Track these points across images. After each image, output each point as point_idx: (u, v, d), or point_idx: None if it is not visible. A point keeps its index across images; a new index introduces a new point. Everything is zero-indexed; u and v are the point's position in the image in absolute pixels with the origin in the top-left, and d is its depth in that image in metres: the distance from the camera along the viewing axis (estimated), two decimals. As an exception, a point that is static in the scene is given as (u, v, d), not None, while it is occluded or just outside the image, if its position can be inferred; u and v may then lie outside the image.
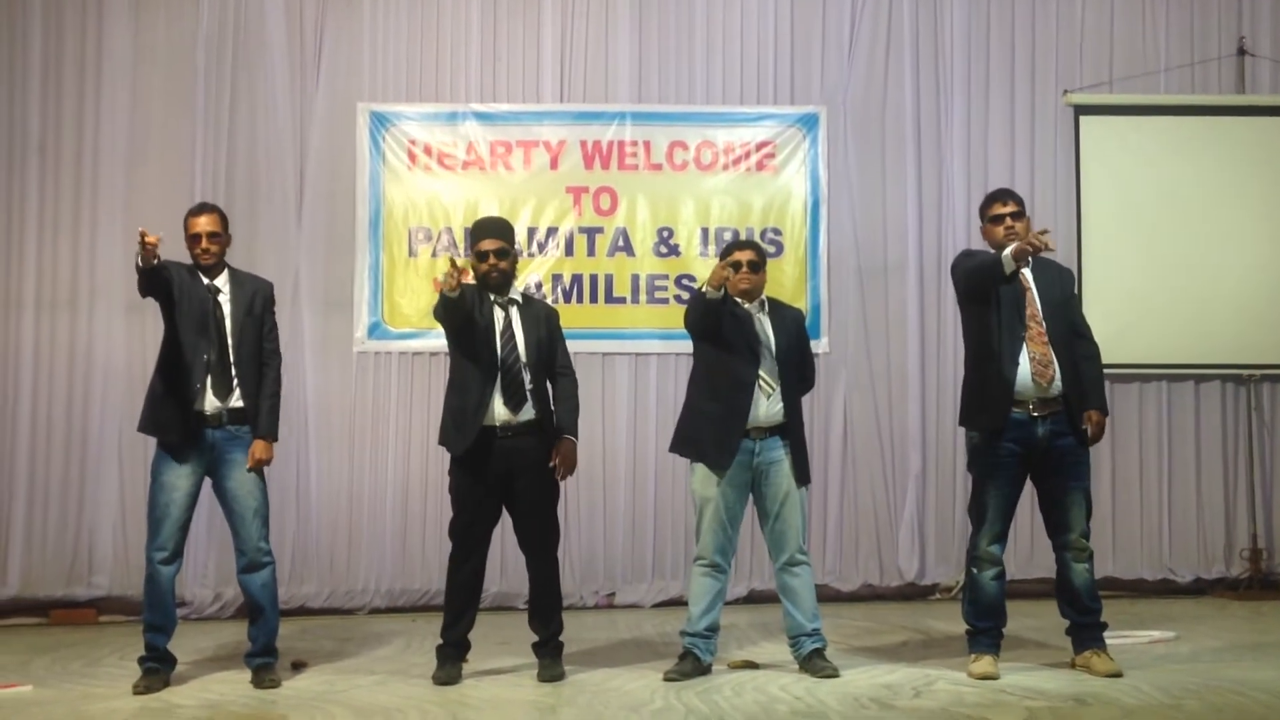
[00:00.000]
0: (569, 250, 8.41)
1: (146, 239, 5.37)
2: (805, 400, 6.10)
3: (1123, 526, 8.50)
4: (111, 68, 8.31)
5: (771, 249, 8.24)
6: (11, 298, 8.19)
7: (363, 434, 8.28)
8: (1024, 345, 5.63)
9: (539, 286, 8.26)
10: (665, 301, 8.37)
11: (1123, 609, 7.36)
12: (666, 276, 8.44)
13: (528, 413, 5.78)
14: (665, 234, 8.46)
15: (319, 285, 8.31)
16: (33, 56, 8.27)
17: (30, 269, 8.20)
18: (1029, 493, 5.83)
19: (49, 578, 8.03)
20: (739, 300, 5.85)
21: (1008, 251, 5.51)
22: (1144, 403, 8.58)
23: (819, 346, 8.05)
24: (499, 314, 5.84)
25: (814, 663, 5.76)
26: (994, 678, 5.59)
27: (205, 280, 5.78)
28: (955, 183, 8.58)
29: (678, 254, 8.45)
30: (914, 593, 8.37)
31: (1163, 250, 8.48)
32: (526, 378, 5.78)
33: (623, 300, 8.41)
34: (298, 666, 6.14)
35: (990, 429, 5.67)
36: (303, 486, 8.18)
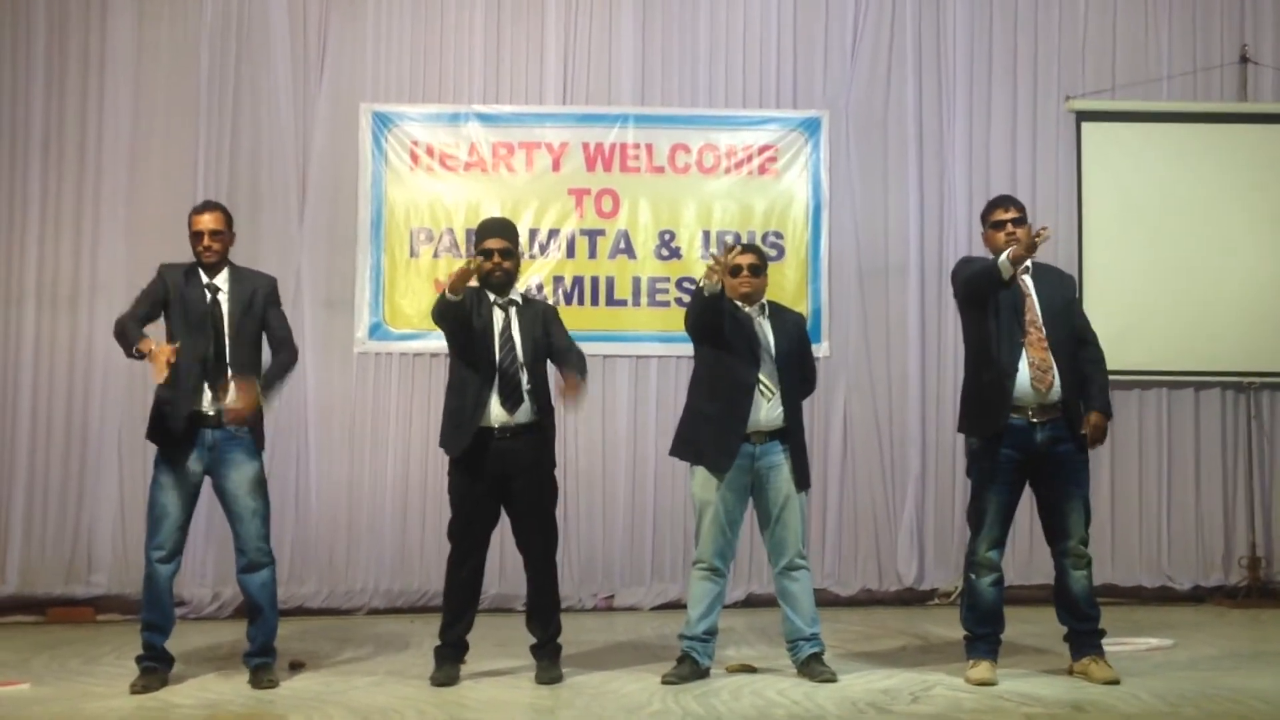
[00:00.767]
0: (570, 252, 8.42)
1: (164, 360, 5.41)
2: (805, 403, 6.10)
3: (1121, 533, 8.50)
4: (115, 66, 8.31)
5: (773, 252, 8.25)
6: (13, 294, 8.19)
7: (363, 434, 8.28)
8: (1023, 352, 5.63)
9: (540, 288, 8.27)
10: (666, 304, 8.37)
11: (1121, 616, 7.35)
12: (668, 279, 8.44)
13: (525, 414, 5.77)
14: (667, 237, 8.47)
15: (320, 285, 8.31)
16: (36, 53, 8.28)
17: (31, 265, 8.20)
18: (1028, 499, 5.83)
19: (48, 575, 8.03)
20: (740, 304, 5.85)
21: (1005, 256, 5.52)
22: (1143, 409, 8.58)
23: (819, 350, 8.05)
24: (498, 315, 5.85)
25: (812, 667, 5.77)
26: (992, 684, 5.59)
27: (205, 279, 5.78)
28: (957, 188, 8.58)
29: (679, 257, 8.46)
30: (912, 598, 8.37)
31: (1163, 257, 8.48)
32: (524, 378, 5.78)
33: (624, 303, 8.42)
34: (296, 667, 6.13)
35: (988, 435, 5.67)
36: (302, 486, 8.18)
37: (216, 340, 5.71)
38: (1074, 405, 5.68)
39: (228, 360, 5.72)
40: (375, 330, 8.31)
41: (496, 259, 5.83)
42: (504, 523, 5.94)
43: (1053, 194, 8.56)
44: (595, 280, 8.42)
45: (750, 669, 6.04)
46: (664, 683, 5.71)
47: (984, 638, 5.74)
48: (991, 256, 5.76)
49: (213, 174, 8.25)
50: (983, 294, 5.68)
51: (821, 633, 5.90)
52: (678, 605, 7.55)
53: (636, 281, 8.44)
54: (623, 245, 8.44)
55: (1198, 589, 8.48)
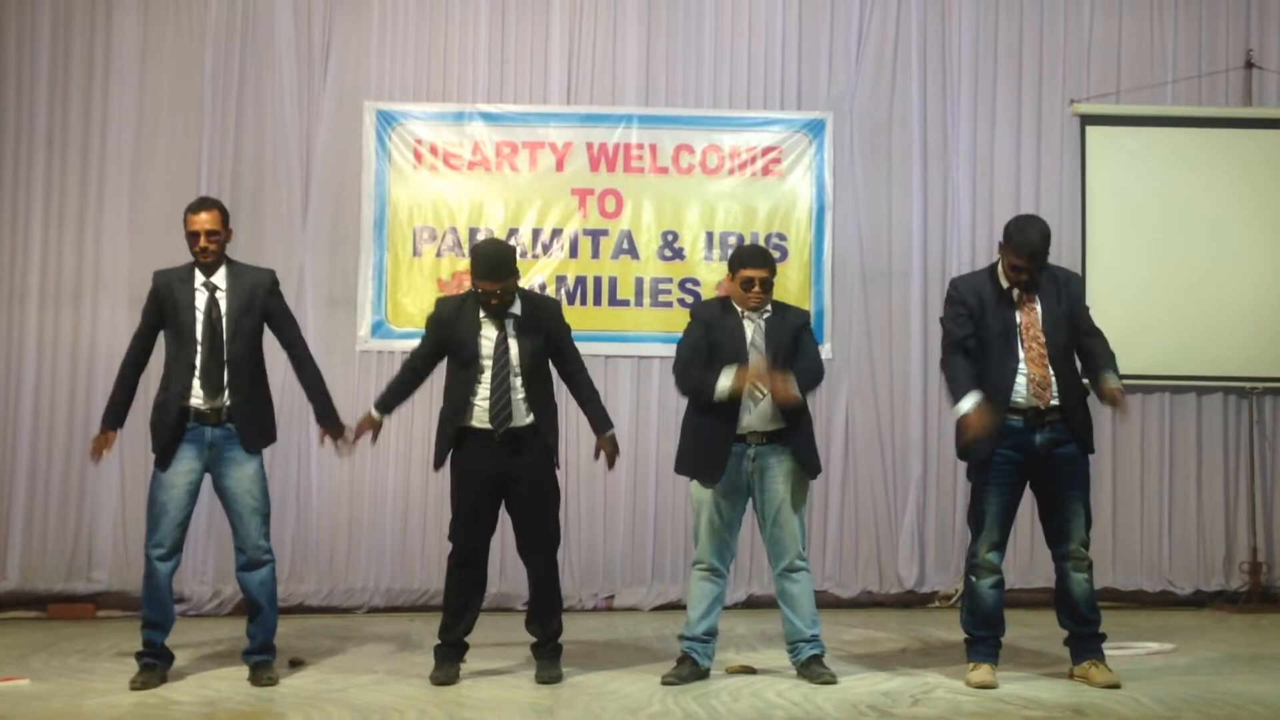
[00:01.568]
0: (573, 252, 8.41)
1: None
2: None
3: (1123, 538, 8.50)
4: (119, 63, 8.33)
5: (776, 254, 8.21)
6: (16, 290, 8.20)
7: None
8: (1022, 367, 5.62)
9: (543, 288, 8.27)
10: (669, 305, 8.37)
11: (1122, 620, 7.35)
12: (670, 280, 8.44)
13: (522, 420, 5.77)
14: (670, 237, 8.46)
15: (323, 283, 8.31)
16: (41, 51, 8.29)
17: (35, 262, 8.21)
18: (1030, 502, 5.82)
19: (48, 572, 8.05)
20: (740, 310, 5.84)
21: (960, 413, 5.56)
22: (1146, 414, 8.57)
23: (822, 352, 8.01)
24: (493, 327, 5.80)
25: (812, 669, 5.76)
26: (992, 687, 5.58)
27: (203, 278, 5.77)
28: (961, 190, 8.58)
29: (682, 258, 8.45)
30: (913, 600, 8.37)
31: (1167, 261, 8.48)
32: (518, 384, 5.76)
33: (626, 303, 8.42)
34: (295, 665, 6.14)
35: (976, 460, 5.68)
36: (303, 485, 8.18)
37: (214, 338, 5.70)
38: (1074, 410, 5.67)
39: (225, 358, 5.71)
40: (378, 328, 8.32)
41: (495, 299, 5.74)
42: (505, 522, 5.94)
43: (1057, 198, 8.55)
44: (598, 280, 8.42)
45: (750, 670, 6.04)
46: (664, 683, 5.70)
47: (984, 640, 5.74)
48: (998, 260, 5.73)
49: (216, 171, 8.25)
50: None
51: (822, 634, 5.89)
52: (678, 606, 7.55)
53: (639, 282, 8.44)
54: (626, 245, 8.44)
55: (1199, 594, 8.47)
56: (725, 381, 5.65)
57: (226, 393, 5.70)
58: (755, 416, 5.75)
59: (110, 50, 8.33)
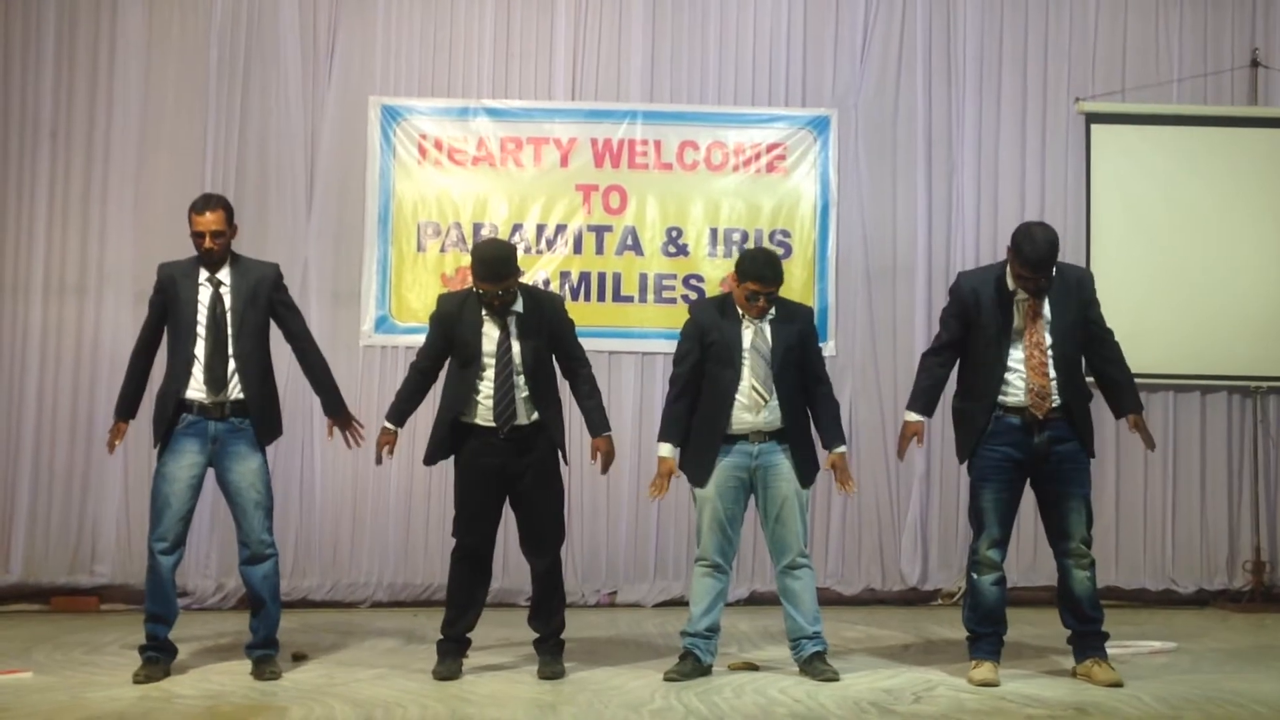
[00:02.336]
0: (578, 248, 8.41)
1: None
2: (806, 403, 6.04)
3: (1126, 536, 8.49)
4: (125, 57, 8.32)
5: (780, 251, 8.23)
6: (20, 283, 8.21)
7: (368, 427, 8.20)
8: (1018, 373, 5.63)
9: (546, 283, 8.27)
10: (673, 301, 8.36)
11: (1125, 619, 7.35)
12: (675, 276, 8.43)
13: (525, 416, 5.77)
14: (674, 234, 8.46)
15: (327, 278, 8.31)
16: (46, 44, 8.29)
17: (39, 255, 8.22)
18: (1032, 500, 5.82)
19: (52, 565, 8.05)
20: (743, 314, 5.84)
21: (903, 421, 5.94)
22: (1150, 412, 8.44)
23: (826, 350, 8.01)
24: (495, 326, 5.80)
25: (814, 666, 5.76)
26: (994, 684, 5.59)
27: (207, 274, 5.77)
28: (965, 188, 8.57)
29: (686, 254, 8.45)
30: (916, 597, 8.37)
31: (1172, 260, 8.47)
32: (520, 382, 5.76)
33: (630, 299, 8.41)
34: (298, 659, 6.15)
35: (964, 459, 5.75)
36: (306, 479, 8.19)
37: (218, 333, 5.71)
38: (1077, 411, 5.66)
39: (231, 352, 5.72)
40: (381, 323, 8.32)
41: (495, 299, 5.73)
42: (509, 518, 5.94)
43: (1061, 196, 8.54)
44: (602, 276, 8.42)
45: (752, 667, 6.04)
46: (666, 679, 5.71)
47: (986, 637, 5.74)
48: (1008, 282, 5.73)
49: (221, 165, 8.25)
50: None
51: (824, 631, 5.89)
52: (680, 602, 7.56)
53: (643, 278, 8.43)
54: (630, 241, 8.44)
55: (1201, 593, 8.47)
56: (661, 452, 5.93)
57: (231, 387, 5.71)
58: (757, 416, 5.75)
59: (115, 43, 8.33)
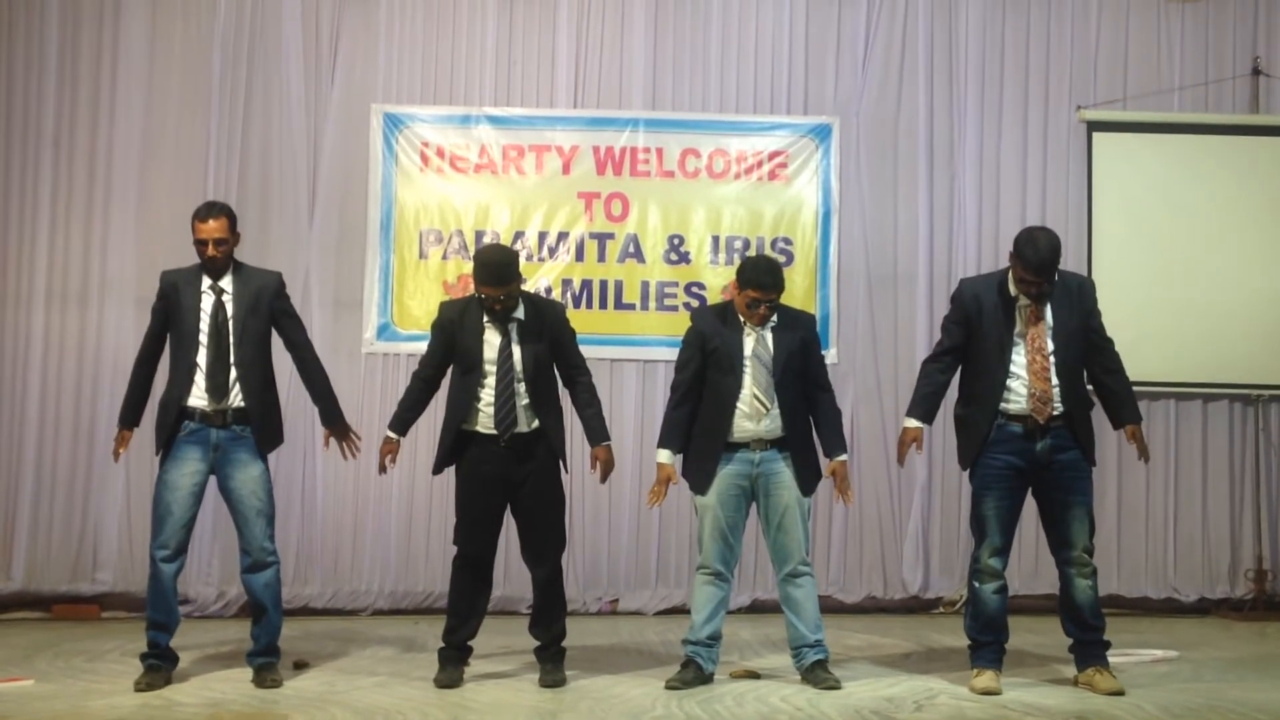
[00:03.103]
0: (579, 255, 8.42)
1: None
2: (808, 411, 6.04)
3: (1127, 545, 8.48)
4: (127, 65, 8.33)
5: (782, 258, 8.23)
6: (23, 291, 8.21)
7: (369, 435, 8.21)
8: (1020, 378, 5.62)
9: (548, 291, 8.27)
10: (675, 309, 8.36)
11: (1126, 627, 7.35)
12: (676, 284, 8.44)
13: (526, 425, 5.77)
14: (676, 241, 8.47)
15: (329, 285, 8.32)
16: (49, 51, 8.30)
17: (41, 263, 8.22)
18: (1034, 508, 5.82)
19: (53, 572, 8.05)
20: (744, 321, 5.84)
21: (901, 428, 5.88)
22: (1151, 420, 8.53)
23: (827, 357, 8.01)
24: (496, 333, 5.81)
25: (816, 674, 5.76)
26: (996, 693, 5.58)
27: (210, 281, 5.78)
28: (967, 196, 8.57)
29: (688, 261, 8.46)
30: (917, 605, 8.36)
31: (1173, 268, 8.46)
32: (522, 390, 5.76)
33: (632, 307, 8.42)
34: (300, 666, 6.15)
35: (966, 467, 5.76)
36: (308, 487, 8.19)
37: (220, 341, 5.71)
38: (1078, 418, 5.66)
39: (233, 360, 5.73)
40: (383, 331, 8.32)
41: (497, 305, 5.74)
42: (510, 525, 5.94)
43: (1063, 204, 8.54)
44: (604, 284, 8.42)
45: (754, 675, 6.04)
46: (668, 688, 5.71)
47: (988, 646, 5.74)
48: (1012, 290, 5.74)
49: (223, 173, 8.26)
50: None
51: (826, 639, 5.89)
52: (682, 610, 7.56)
53: (645, 285, 8.44)
54: (632, 249, 8.44)
55: (1203, 601, 8.46)
56: (659, 458, 5.94)
57: (233, 395, 5.72)
58: (758, 424, 5.75)
59: (118, 51, 8.34)
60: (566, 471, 5.98)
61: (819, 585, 6.06)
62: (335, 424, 6.06)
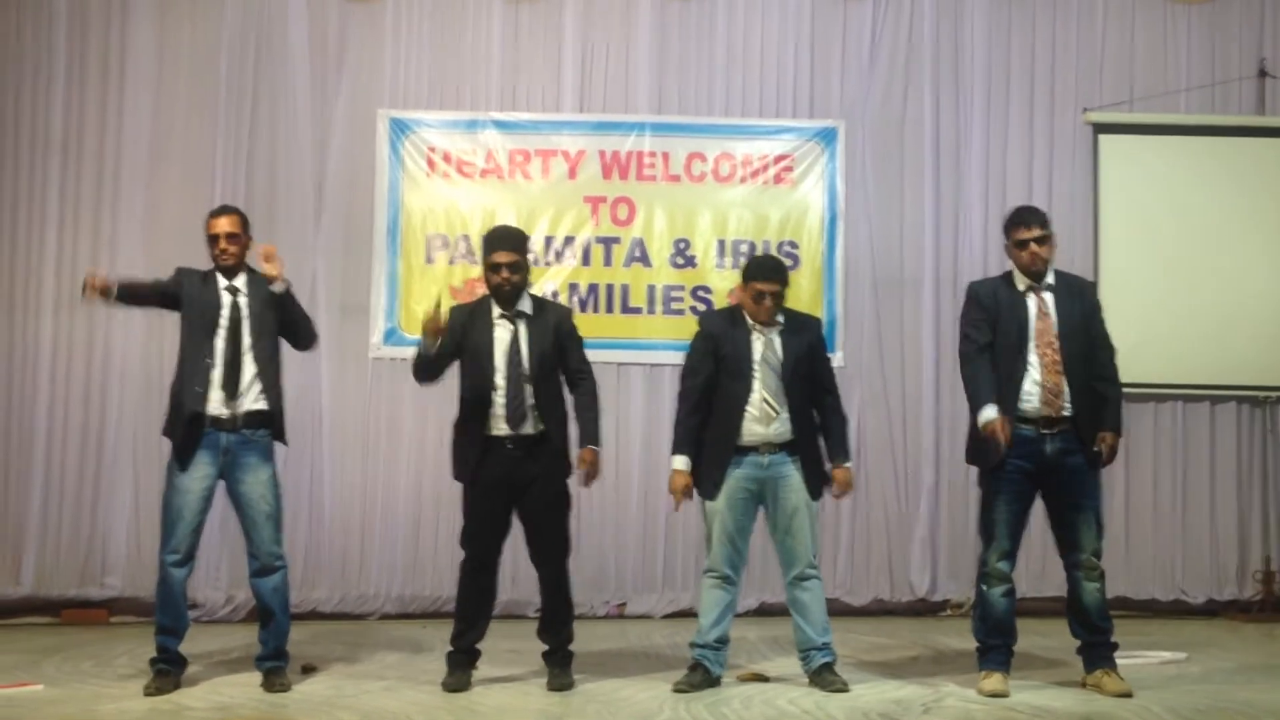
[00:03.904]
0: (586, 260, 8.43)
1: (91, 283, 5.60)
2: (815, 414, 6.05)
3: (1135, 546, 8.47)
4: (135, 71, 8.36)
5: (788, 262, 8.22)
6: (31, 296, 8.23)
7: (376, 440, 8.30)
8: (1036, 374, 5.62)
9: (555, 295, 8.27)
10: (681, 313, 8.37)
11: (1134, 629, 7.34)
12: (683, 288, 8.44)
13: (532, 426, 5.78)
14: (682, 245, 8.47)
15: (336, 290, 8.33)
16: (57, 57, 8.32)
17: (50, 268, 8.24)
18: (1041, 511, 5.82)
19: (62, 577, 8.06)
20: (751, 322, 5.84)
21: (985, 420, 5.55)
22: (1158, 422, 8.56)
23: (834, 360, 7.98)
24: (505, 329, 5.83)
25: (823, 677, 5.77)
26: (1004, 695, 5.58)
27: (224, 281, 5.82)
28: (973, 198, 8.57)
29: (694, 265, 8.46)
30: (925, 608, 8.36)
31: (1180, 269, 8.47)
32: (529, 391, 5.77)
33: (638, 310, 8.42)
34: (308, 670, 6.15)
35: (989, 468, 5.68)
36: (316, 491, 8.20)
37: (236, 341, 5.74)
38: (1085, 417, 5.66)
39: (245, 361, 5.74)
40: (390, 336, 8.34)
41: (505, 274, 5.81)
42: (517, 529, 5.95)
43: (1069, 206, 8.53)
44: (610, 288, 8.43)
45: (762, 678, 6.04)
46: (675, 691, 5.71)
47: (996, 649, 5.73)
48: (1011, 267, 5.77)
49: (230, 178, 8.28)
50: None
51: (833, 642, 5.89)
52: (689, 613, 7.55)
53: (651, 289, 8.44)
54: (638, 253, 8.45)
55: (1211, 603, 8.45)
56: (676, 465, 5.85)
57: (245, 398, 5.73)
58: (768, 428, 5.76)
59: (125, 56, 8.37)
60: (569, 474, 5.97)
61: (826, 588, 6.05)
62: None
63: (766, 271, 5.89)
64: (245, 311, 5.79)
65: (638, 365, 8.39)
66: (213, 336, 5.73)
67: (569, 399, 5.99)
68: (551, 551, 5.89)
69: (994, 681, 5.65)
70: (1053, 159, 8.63)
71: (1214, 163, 8.56)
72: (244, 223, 5.90)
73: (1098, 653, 5.72)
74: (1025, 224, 5.78)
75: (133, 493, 8.09)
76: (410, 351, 8.14)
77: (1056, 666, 6.25)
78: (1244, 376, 8.49)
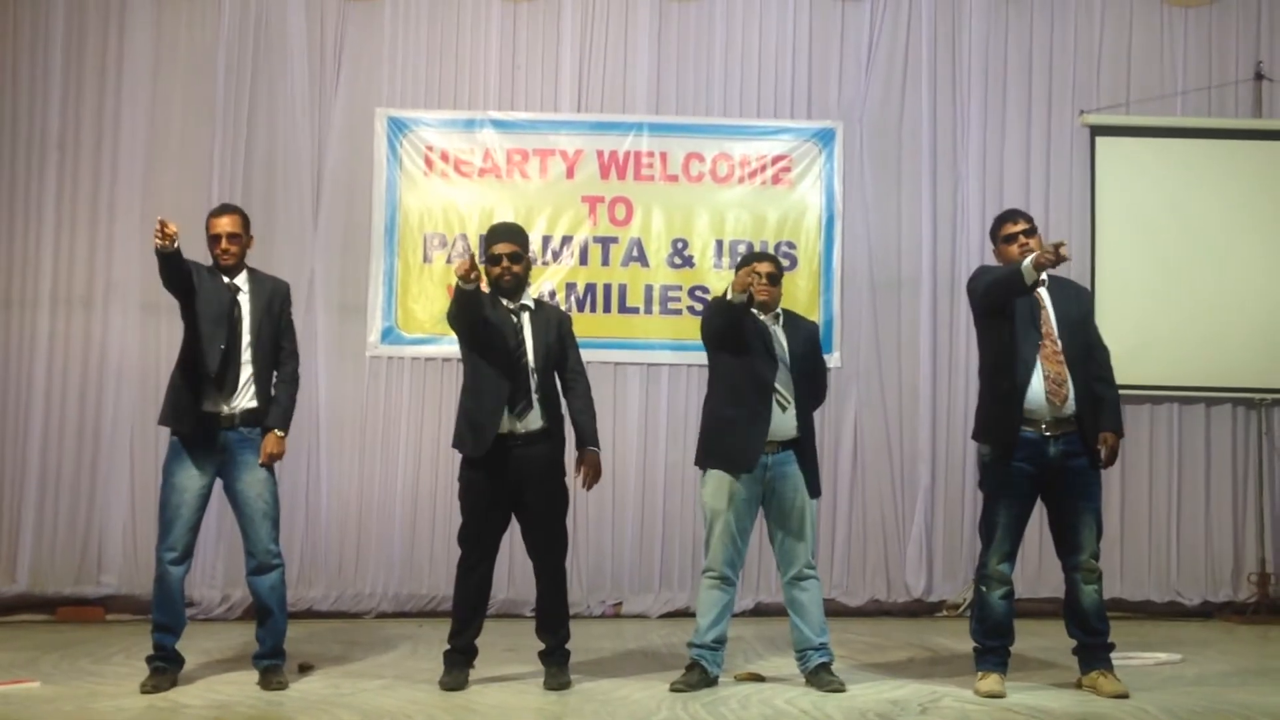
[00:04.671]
0: (583, 259, 8.44)
1: (166, 229, 5.40)
2: (815, 414, 6.07)
3: (1131, 548, 8.48)
4: (132, 69, 8.35)
5: (786, 262, 8.22)
6: (28, 295, 8.22)
7: (374, 438, 8.30)
8: (1039, 363, 5.63)
9: (552, 295, 8.29)
10: (678, 313, 8.38)
11: (1130, 630, 7.36)
12: (680, 288, 8.45)
13: (535, 421, 5.78)
14: (680, 245, 8.48)
15: (334, 289, 8.33)
16: (54, 57, 8.32)
17: (46, 267, 8.23)
18: (1039, 512, 5.83)
19: (58, 575, 8.06)
20: (756, 312, 5.86)
21: (1028, 261, 5.46)
22: (1154, 424, 8.57)
23: (831, 361, 8.04)
24: (509, 320, 5.86)
25: (820, 677, 5.77)
26: (1000, 696, 5.59)
27: (225, 279, 5.82)
28: (970, 200, 8.58)
29: (692, 265, 8.47)
30: (921, 609, 8.36)
31: (1176, 272, 8.48)
32: (533, 383, 5.78)
33: (636, 310, 8.43)
34: (305, 669, 6.15)
35: (1002, 443, 5.66)
36: (313, 489, 8.20)
37: (234, 341, 5.73)
38: (1088, 419, 5.67)
39: (243, 361, 5.73)
40: (387, 335, 8.34)
41: (505, 264, 5.84)
42: (514, 528, 5.96)
43: (1066, 208, 8.55)
44: (608, 287, 8.43)
45: (758, 678, 6.05)
46: (672, 690, 5.71)
47: (993, 650, 5.74)
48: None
49: (228, 177, 8.27)
50: (1003, 301, 5.64)
51: (830, 643, 5.90)
52: (686, 613, 7.57)
53: (649, 289, 8.45)
54: (635, 253, 8.46)
55: (1206, 605, 8.46)
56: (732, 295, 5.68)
57: (242, 395, 5.73)
58: (772, 425, 5.76)
59: (123, 56, 8.36)
60: (565, 474, 5.98)
61: (823, 588, 6.05)
62: (278, 426, 5.87)
63: (759, 256, 6.06)
64: (245, 311, 5.79)
65: (634, 365, 8.40)
66: (215, 331, 5.72)
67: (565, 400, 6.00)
68: (549, 550, 5.90)
69: (991, 682, 5.66)
70: (1050, 161, 8.64)
71: (1211, 165, 8.58)
72: (245, 222, 5.90)
73: (1094, 654, 5.73)
74: (1011, 219, 5.88)
75: (129, 490, 8.09)
76: (410, 351, 8.27)
77: (1053, 667, 6.26)
78: (1240, 379, 8.50)
